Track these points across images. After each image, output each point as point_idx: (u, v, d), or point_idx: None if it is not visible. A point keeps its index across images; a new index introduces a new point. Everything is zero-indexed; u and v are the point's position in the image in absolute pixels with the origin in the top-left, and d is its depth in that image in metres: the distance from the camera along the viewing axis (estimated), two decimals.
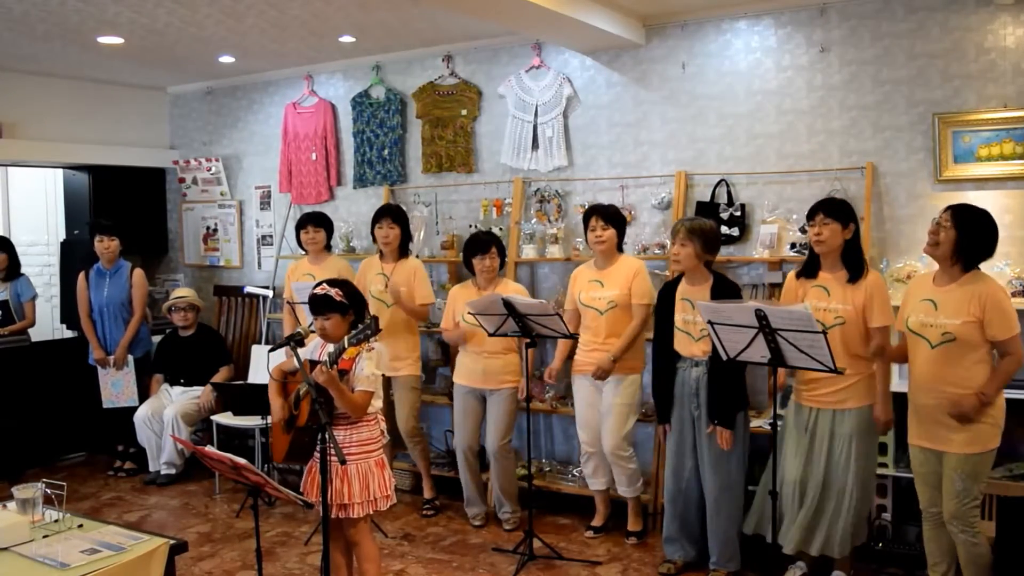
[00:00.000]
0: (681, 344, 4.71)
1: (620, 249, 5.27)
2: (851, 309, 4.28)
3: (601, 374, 5.06)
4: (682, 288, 4.73)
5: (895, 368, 4.93)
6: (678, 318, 4.71)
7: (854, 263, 4.34)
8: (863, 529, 4.49)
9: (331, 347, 3.82)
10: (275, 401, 4.02)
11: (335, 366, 3.67)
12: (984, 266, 3.99)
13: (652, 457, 5.61)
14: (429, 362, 6.61)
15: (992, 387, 3.83)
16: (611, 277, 5.16)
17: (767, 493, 4.31)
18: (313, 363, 3.69)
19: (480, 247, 5.47)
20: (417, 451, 5.95)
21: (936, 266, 4.06)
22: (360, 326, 3.70)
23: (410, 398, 5.86)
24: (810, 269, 4.46)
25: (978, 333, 3.83)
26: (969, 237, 3.86)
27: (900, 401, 4.76)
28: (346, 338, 3.67)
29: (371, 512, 3.95)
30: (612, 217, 5.16)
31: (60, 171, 8.16)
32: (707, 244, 4.61)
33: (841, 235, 4.30)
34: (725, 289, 4.63)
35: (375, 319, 3.69)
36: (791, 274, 4.60)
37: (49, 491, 3.76)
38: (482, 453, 5.81)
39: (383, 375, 5.69)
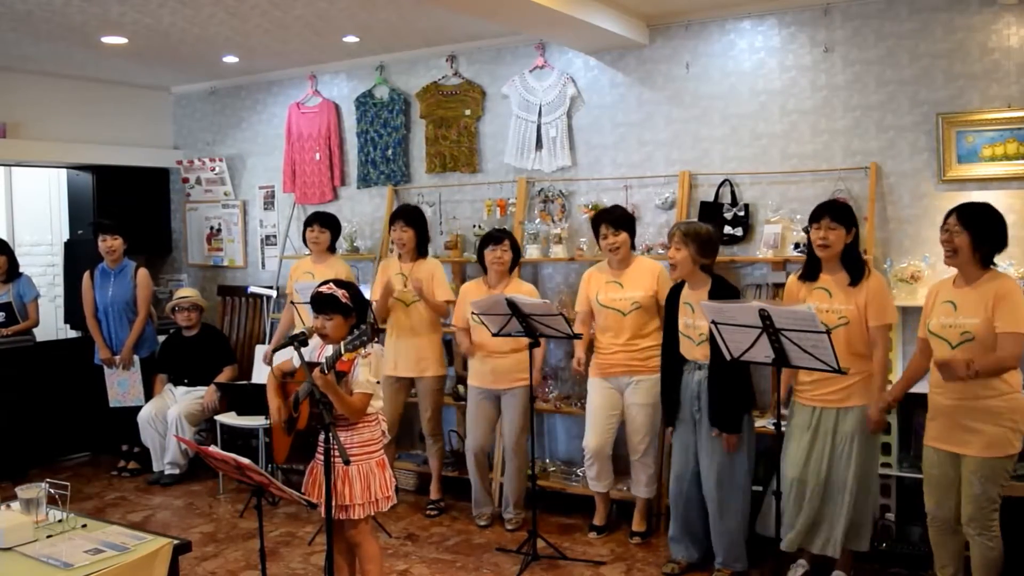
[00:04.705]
0: (683, 348, 4.71)
1: (633, 248, 5.27)
2: (854, 309, 4.29)
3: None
4: (684, 292, 4.74)
5: (898, 369, 4.93)
6: (680, 322, 4.71)
7: (854, 265, 4.35)
8: (865, 533, 4.46)
9: (329, 348, 3.82)
10: (273, 401, 4.02)
11: (331, 370, 3.66)
12: None
13: (659, 457, 5.60)
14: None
15: (983, 363, 3.74)
16: (630, 278, 5.15)
17: (772, 493, 4.31)
18: (312, 365, 3.69)
19: (493, 239, 5.47)
20: (434, 451, 5.97)
21: (949, 270, 4.07)
22: (356, 331, 3.68)
23: (434, 400, 5.88)
24: (810, 272, 4.47)
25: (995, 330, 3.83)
26: (982, 234, 3.87)
27: (905, 401, 4.76)
28: (342, 343, 3.66)
29: (372, 513, 3.95)
30: (622, 221, 5.13)
31: (64, 171, 8.17)
32: (702, 247, 4.61)
33: (844, 240, 4.32)
34: (723, 292, 4.61)
35: (371, 325, 3.68)
36: (792, 277, 4.60)
37: (53, 491, 3.77)
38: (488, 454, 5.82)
39: (409, 376, 5.76)
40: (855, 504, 4.35)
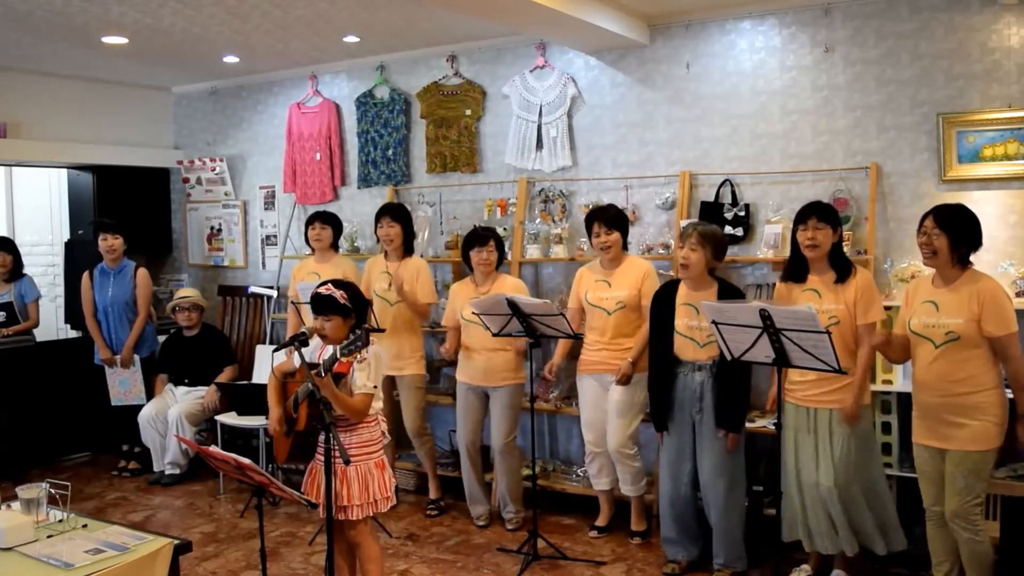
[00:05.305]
0: (684, 349, 4.69)
1: (625, 248, 5.27)
2: (843, 308, 4.33)
3: (624, 379, 5.06)
4: (684, 294, 4.71)
5: (899, 369, 4.93)
6: (680, 323, 4.69)
7: (840, 264, 4.39)
8: (895, 530, 4.48)
9: (330, 349, 3.82)
10: (274, 410, 4.02)
11: (328, 373, 3.66)
12: (988, 267, 4.01)
13: (655, 458, 5.60)
14: (433, 362, 6.61)
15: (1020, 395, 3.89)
16: (619, 277, 5.16)
17: (789, 498, 4.32)
18: (312, 365, 3.68)
19: (478, 240, 5.48)
20: (424, 451, 5.96)
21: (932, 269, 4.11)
22: (351, 336, 3.68)
23: (415, 398, 5.87)
24: (798, 273, 4.48)
25: (979, 330, 3.87)
26: (960, 236, 3.93)
27: (905, 401, 4.77)
28: (337, 348, 3.66)
29: (371, 514, 3.95)
30: (615, 220, 5.15)
31: (64, 171, 8.17)
32: (716, 251, 4.63)
33: (831, 239, 4.36)
34: (730, 295, 4.62)
35: (365, 330, 3.67)
36: (779, 282, 4.63)
37: (53, 491, 3.77)
38: (485, 452, 5.82)
39: (389, 375, 5.77)
40: (874, 503, 4.37)
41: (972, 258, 4.00)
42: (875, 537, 4.41)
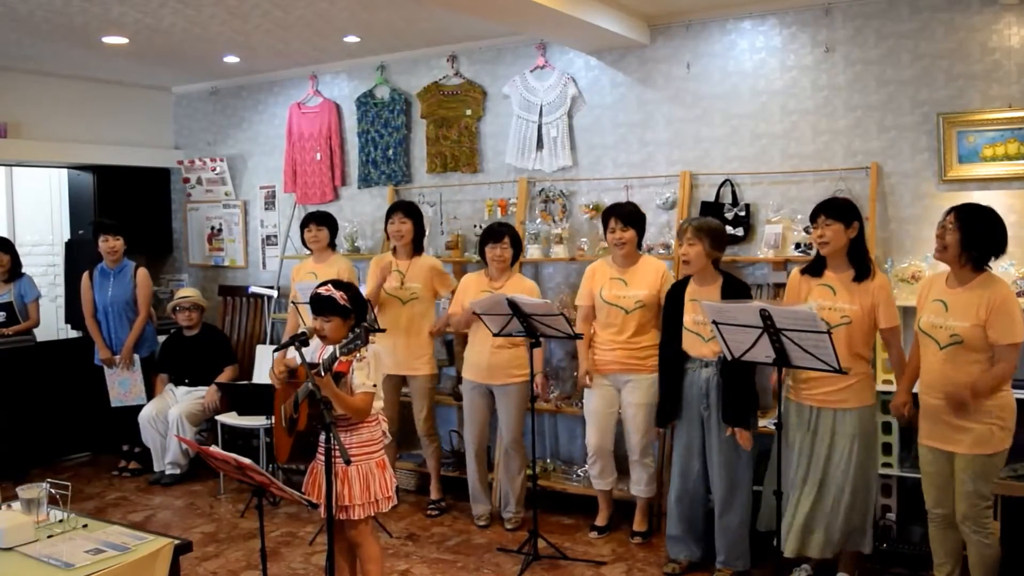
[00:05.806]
0: (691, 345, 4.69)
1: (640, 246, 5.26)
2: (857, 309, 4.28)
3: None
4: (691, 289, 4.72)
5: None
6: (687, 319, 4.69)
7: (860, 262, 4.34)
8: (866, 535, 4.46)
9: (330, 349, 3.82)
10: (277, 378, 4.01)
11: (328, 372, 3.66)
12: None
13: (658, 457, 5.60)
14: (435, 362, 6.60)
15: (984, 384, 3.82)
16: (635, 276, 5.14)
17: (773, 493, 4.30)
18: (312, 365, 3.68)
19: (494, 236, 5.46)
20: (430, 451, 5.97)
21: (946, 268, 4.05)
22: (350, 335, 3.68)
23: (427, 398, 5.88)
24: (816, 268, 4.46)
25: (984, 336, 3.82)
26: (974, 235, 3.85)
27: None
28: (337, 347, 3.66)
29: (372, 514, 3.95)
30: (631, 217, 5.12)
31: (64, 171, 8.17)
32: (715, 241, 4.61)
33: (845, 235, 4.30)
34: (735, 289, 4.62)
35: (364, 329, 3.66)
36: (795, 271, 4.59)
37: (54, 491, 3.77)
38: (488, 451, 5.82)
39: (401, 375, 5.76)
40: (853, 506, 4.34)
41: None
42: (834, 541, 4.37)
